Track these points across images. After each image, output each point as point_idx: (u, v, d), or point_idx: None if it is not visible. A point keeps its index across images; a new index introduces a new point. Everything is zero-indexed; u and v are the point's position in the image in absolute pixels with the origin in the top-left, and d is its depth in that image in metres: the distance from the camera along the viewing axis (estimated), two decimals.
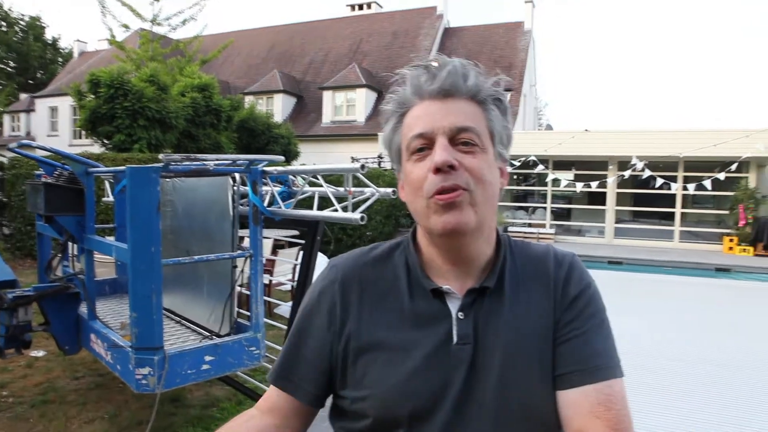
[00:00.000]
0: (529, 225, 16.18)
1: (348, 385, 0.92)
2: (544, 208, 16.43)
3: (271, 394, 0.98)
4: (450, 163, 0.82)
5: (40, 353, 4.58)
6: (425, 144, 0.86)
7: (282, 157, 3.12)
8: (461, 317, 0.89)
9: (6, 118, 27.72)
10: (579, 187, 14.77)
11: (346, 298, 0.94)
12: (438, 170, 0.83)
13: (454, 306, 0.90)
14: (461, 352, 0.87)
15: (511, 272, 0.93)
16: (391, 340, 0.90)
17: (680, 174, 14.44)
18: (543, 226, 15.94)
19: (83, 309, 3.40)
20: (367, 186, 2.80)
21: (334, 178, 7.02)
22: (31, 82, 33.28)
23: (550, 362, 0.87)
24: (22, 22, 33.94)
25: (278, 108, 21.46)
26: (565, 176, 15.68)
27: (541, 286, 0.92)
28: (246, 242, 3.36)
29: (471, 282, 0.91)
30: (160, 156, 2.60)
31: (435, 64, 0.88)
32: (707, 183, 12.97)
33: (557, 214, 16.88)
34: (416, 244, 0.97)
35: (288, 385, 0.96)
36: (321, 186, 2.90)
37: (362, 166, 2.53)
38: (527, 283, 0.93)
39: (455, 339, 0.88)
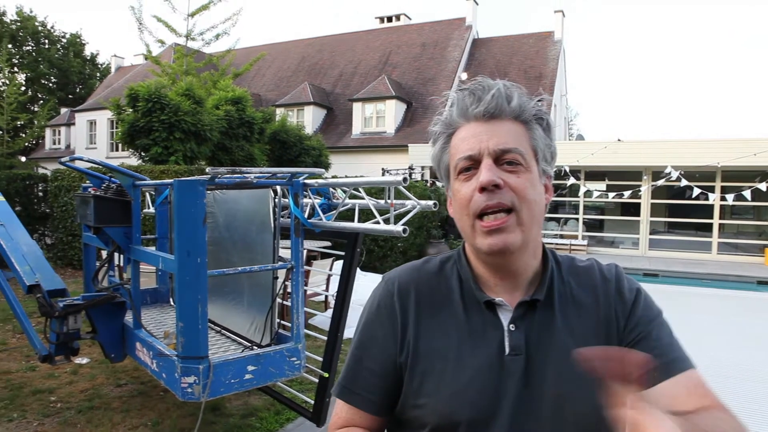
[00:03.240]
0: (561, 236, 15.97)
1: (406, 393, 0.95)
2: (577, 219, 16.19)
3: (340, 412, 1.01)
4: (495, 182, 0.87)
5: (84, 360, 4.71)
6: (471, 164, 0.91)
7: (323, 170, 3.17)
8: (512, 329, 0.92)
9: (47, 132, 28.69)
10: (611, 197, 14.53)
11: (404, 309, 0.98)
12: (483, 189, 0.87)
13: (505, 318, 0.93)
14: (513, 363, 0.90)
15: (559, 284, 0.97)
16: (446, 350, 0.93)
17: (718, 184, 14.08)
18: (575, 237, 15.71)
19: (128, 318, 3.50)
20: (407, 198, 2.82)
21: (366, 189, 7.07)
22: (70, 96, 34.43)
23: None
24: (63, 40, 35.19)
25: (309, 120, 21.72)
26: (598, 186, 15.45)
27: (589, 299, 0.95)
28: (281, 253, 3.42)
29: (520, 294, 0.95)
30: (207, 169, 2.67)
31: (480, 86, 0.92)
32: (747, 193, 12.60)
33: (590, 225, 16.61)
34: (467, 258, 1.00)
35: (353, 397, 0.99)
36: (362, 198, 2.93)
37: (404, 179, 2.55)
38: (576, 294, 0.96)
39: (507, 350, 0.91)
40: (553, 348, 0.90)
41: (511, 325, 0.92)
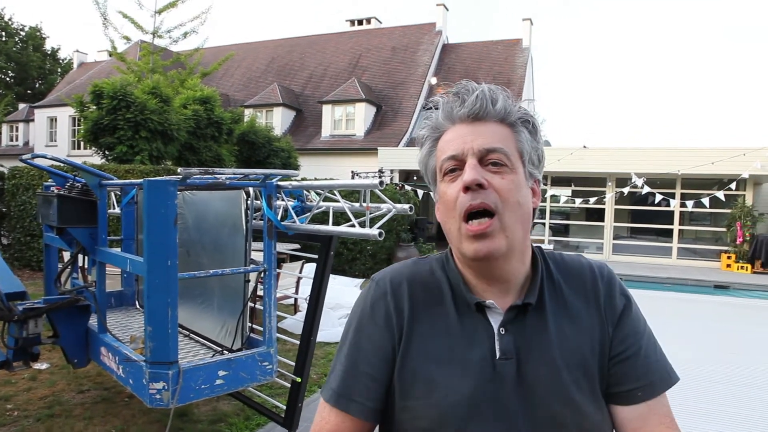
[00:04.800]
0: None
1: (398, 394, 0.93)
2: (543, 223, 16.48)
3: (328, 417, 0.95)
4: (478, 181, 0.86)
5: (44, 366, 4.54)
6: (456, 165, 0.90)
7: (297, 172, 3.14)
8: (502, 333, 0.91)
9: (4, 128, 27.66)
10: (577, 203, 14.85)
11: (399, 309, 0.96)
12: (467, 189, 0.86)
13: (495, 321, 0.92)
14: (505, 367, 0.89)
15: (549, 287, 0.96)
16: (438, 352, 0.92)
17: (678, 191, 14.54)
18: (542, 242, 15.98)
19: (92, 322, 3.39)
20: (382, 202, 2.81)
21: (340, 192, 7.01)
22: (29, 92, 33.32)
23: (598, 376, 0.90)
24: (22, 33, 34.02)
25: (278, 121, 21.51)
26: (563, 192, 15.76)
27: (581, 299, 0.95)
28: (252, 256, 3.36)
29: (511, 298, 0.94)
30: (179, 169, 2.61)
31: (465, 89, 0.92)
32: (705, 200, 13.05)
33: (555, 230, 16.93)
34: (455, 263, 0.99)
35: (351, 405, 0.94)
36: (336, 201, 2.91)
37: (381, 182, 2.54)
38: (567, 296, 0.95)
39: (497, 354, 0.90)
40: (546, 352, 0.89)
41: (501, 329, 0.91)
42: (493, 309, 0.93)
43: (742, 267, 13.33)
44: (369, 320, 0.98)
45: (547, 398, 0.87)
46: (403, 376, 0.92)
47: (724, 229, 14.40)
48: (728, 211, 14.03)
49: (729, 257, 13.73)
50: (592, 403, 0.89)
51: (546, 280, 0.96)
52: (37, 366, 4.46)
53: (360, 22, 27.04)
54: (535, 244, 1.01)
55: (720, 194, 13.03)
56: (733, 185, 13.12)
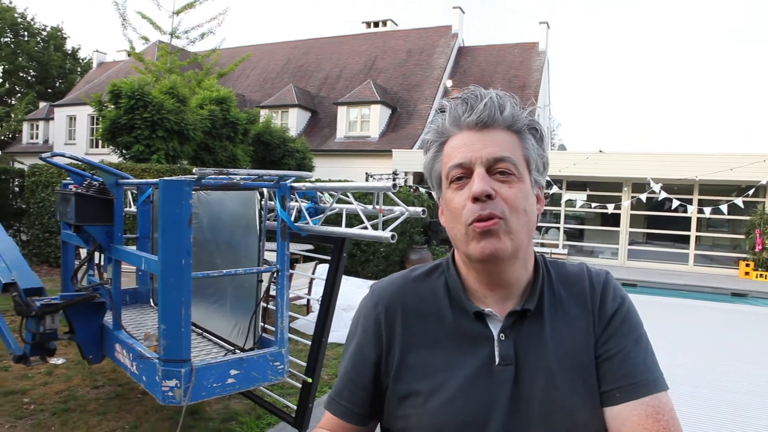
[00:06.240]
0: (542, 245, 16.12)
1: (393, 404, 0.95)
2: (557, 228, 16.36)
3: (324, 418, 1.03)
4: (488, 192, 0.86)
5: (60, 361, 4.61)
6: (464, 173, 0.90)
7: (311, 174, 3.15)
8: (502, 338, 0.92)
9: (25, 126, 28.11)
10: (593, 207, 14.73)
11: (390, 320, 0.98)
12: (476, 199, 0.86)
13: (495, 328, 0.93)
14: (504, 372, 0.90)
15: (549, 293, 0.96)
16: (434, 360, 0.93)
17: (695, 197, 14.36)
18: (556, 246, 15.88)
19: (108, 318, 3.43)
20: (395, 204, 2.81)
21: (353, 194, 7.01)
22: (50, 90, 33.80)
23: (595, 380, 0.90)
24: (43, 33, 34.56)
25: (293, 122, 21.62)
26: (579, 197, 15.63)
27: (578, 306, 0.95)
28: (265, 256, 3.38)
29: (511, 304, 0.94)
30: (194, 170, 2.63)
31: (473, 95, 0.92)
32: (724, 207, 12.87)
33: (570, 235, 16.80)
34: (456, 268, 0.99)
35: (337, 408, 1.01)
36: (350, 203, 2.92)
37: (394, 185, 2.55)
38: (565, 303, 0.96)
39: (497, 360, 0.90)
40: (543, 358, 0.90)
41: (501, 335, 0.92)
42: (493, 316, 0.93)
43: (761, 275, 13.12)
44: (360, 331, 1.02)
45: (542, 404, 0.88)
46: (400, 386, 0.94)
47: (742, 237, 14.19)
48: (747, 218, 13.82)
49: (747, 265, 13.53)
50: (588, 409, 0.89)
51: (546, 287, 0.97)
52: (53, 361, 4.53)
53: (376, 24, 27.11)
54: (538, 251, 1.01)
55: (738, 201, 12.84)
56: (750, 192, 12.92)
